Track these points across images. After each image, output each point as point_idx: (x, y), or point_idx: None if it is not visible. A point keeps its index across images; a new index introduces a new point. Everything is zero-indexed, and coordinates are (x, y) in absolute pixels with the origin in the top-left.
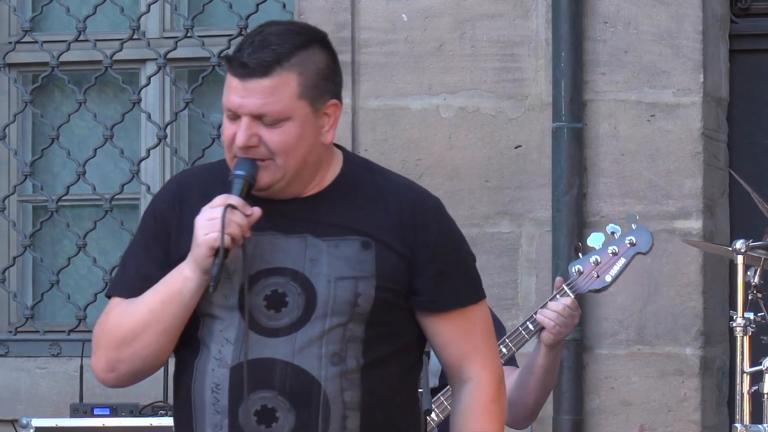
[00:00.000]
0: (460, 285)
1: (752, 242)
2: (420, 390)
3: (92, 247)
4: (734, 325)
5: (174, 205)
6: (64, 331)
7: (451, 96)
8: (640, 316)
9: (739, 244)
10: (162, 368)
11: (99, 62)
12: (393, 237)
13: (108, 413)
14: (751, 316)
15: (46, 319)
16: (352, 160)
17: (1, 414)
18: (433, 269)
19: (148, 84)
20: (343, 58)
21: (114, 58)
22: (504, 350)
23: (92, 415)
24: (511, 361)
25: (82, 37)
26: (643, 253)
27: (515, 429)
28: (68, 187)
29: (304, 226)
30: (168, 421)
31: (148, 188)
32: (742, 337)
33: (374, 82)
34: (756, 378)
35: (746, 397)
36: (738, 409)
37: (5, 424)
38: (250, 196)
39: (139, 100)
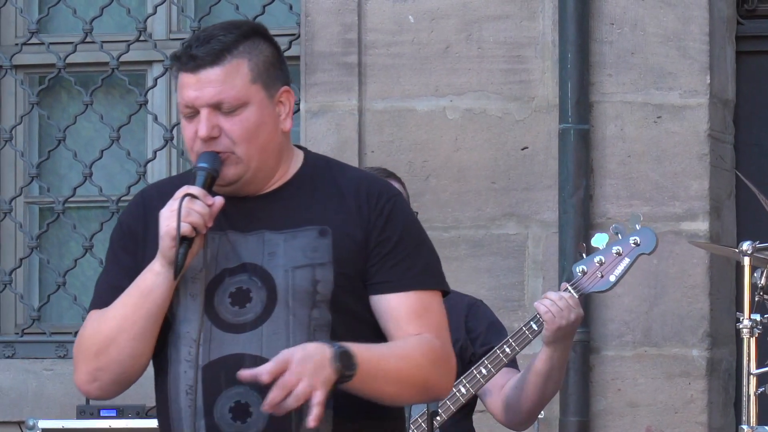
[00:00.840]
0: (413, 269)
1: (759, 244)
2: None
3: (99, 248)
4: (741, 326)
5: (138, 217)
6: (70, 333)
7: (457, 98)
8: (646, 317)
9: (746, 245)
10: None
11: (105, 64)
12: (349, 223)
13: (114, 415)
14: (757, 317)
15: (53, 320)
16: (311, 158)
17: (7, 415)
18: (382, 251)
19: (154, 86)
20: (350, 59)
21: (120, 59)
22: (508, 350)
23: (99, 417)
24: (512, 363)
25: (88, 39)
26: (648, 254)
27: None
28: (75, 188)
29: (260, 222)
30: None
31: None
32: (749, 338)
33: (381, 83)
34: (763, 379)
35: (753, 398)
36: (745, 411)
37: (12, 426)
38: (211, 190)
39: (146, 102)
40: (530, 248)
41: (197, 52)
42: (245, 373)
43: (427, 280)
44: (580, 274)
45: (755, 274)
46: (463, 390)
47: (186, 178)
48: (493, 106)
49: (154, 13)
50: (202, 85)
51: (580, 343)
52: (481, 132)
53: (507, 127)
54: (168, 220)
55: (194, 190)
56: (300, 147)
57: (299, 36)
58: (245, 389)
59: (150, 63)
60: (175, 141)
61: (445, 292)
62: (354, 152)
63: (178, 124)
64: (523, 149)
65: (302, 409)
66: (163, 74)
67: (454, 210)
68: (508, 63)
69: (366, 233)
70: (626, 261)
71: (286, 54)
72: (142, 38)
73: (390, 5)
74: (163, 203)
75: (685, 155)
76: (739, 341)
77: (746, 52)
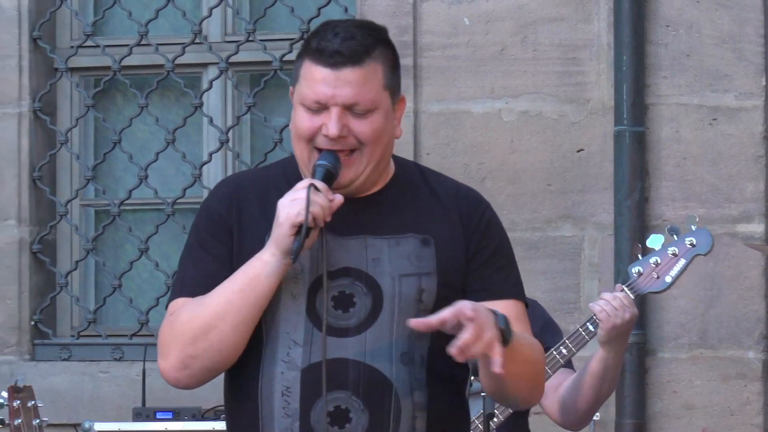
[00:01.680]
0: (506, 278)
1: None
2: (482, 393)
3: (154, 251)
4: None
5: (230, 206)
6: (126, 335)
7: (513, 100)
8: (702, 319)
9: None
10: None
11: (161, 66)
12: (450, 233)
13: (171, 417)
14: None
15: (109, 323)
16: (403, 164)
17: (63, 418)
18: (480, 258)
19: (210, 88)
20: (405, 62)
21: (176, 62)
22: (564, 351)
23: (155, 419)
24: (568, 364)
25: (143, 41)
26: (703, 255)
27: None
28: (130, 191)
29: (361, 227)
30: None
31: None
32: None
33: (436, 85)
34: None
35: None
36: None
37: (68, 428)
38: (331, 187)
39: (201, 104)
40: (586, 250)
41: (342, 49)
42: (415, 321)
43: (520, 291)
44: (635, 275)
45: None
46: None
47: (275, 170)
48: (549, 108)
49: (209, 15)
50: (340, 83)
51: (635, 345)
52: (537, 134)
53: (562, 129)
54: (288, 208)
55: (318, 183)
56: None
57: None
58: (346, 394)
59: (205, 65)
60: (230, 143)
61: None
62: (410, 154)
63: (233, 126)
64: (578, 151)
65: (400, 421)
66: (218, 76)
67: (509, 212)
68: (564, 65)
69: (466, 242)
70: (682, 262)
71: None
72: (197, 40)
73: (445, 8)
74: (257, 198)
75: (740, 157)
76: None
77: None
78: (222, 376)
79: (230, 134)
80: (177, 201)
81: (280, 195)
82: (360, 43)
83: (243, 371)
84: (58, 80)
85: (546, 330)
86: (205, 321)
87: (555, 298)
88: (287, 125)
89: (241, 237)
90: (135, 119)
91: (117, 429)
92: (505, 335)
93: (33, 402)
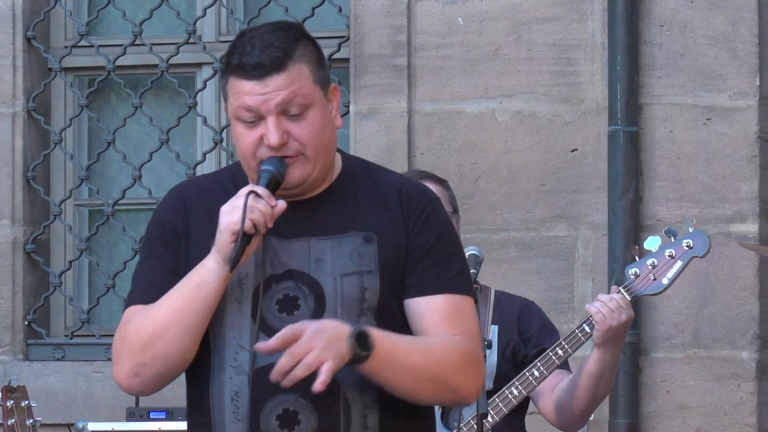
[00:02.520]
0: (445, 273)
1: None
2: None
3: None
4: None
5: (177, 213)
6: None
7: (507, 100)
8: (696, 319)
9: None
10: None
11: (155, 66)
12: (392, 229)
13: (164, 417)
14: None
15: (102, 323)
16: (350, 161)
17: (57, 418)
18: (419, 254)
19: (204, 88)
20: (399, 61)
21: (170, 62)
22: (560, 352)
23: (148, 419)
24: (564, 365)
25: (138, 41)
26: (700, 257)
27: None
28: (124, 191)
29: (305, 229)
30: None
31: None
32: None
33: (430, 85)
34: None
35: None
36: None
37: (62, 428)
38: (274, 193)
39: (195, 104)
40: (580, 250)
41: (263, 60)
42: (260, 345)
43: (460, 284)
44: (632, 277)
45: None
46: (515, 392)
47: (223, 175)
48: (543, 108)
49: (204, 15)
50: (270, 91)
51: (629, 345)
52: (531, 134)
53: (556, 129)
54: (229, 215)
55: (259, 189)
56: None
57: (348, 38)
58: (294, 397)
59: (199, 65)
60: (224, 143)
61: (475, 300)
62: (403, 154)
63: (227, 126)
64: (572, 151)
65: (350, 419)
66: (212, 76)
67: (503, 212)
68: (558, 65)
69: (407, 237)
70: (679, 264)
71: (335, 56)
72: (191, 40)
73: (439, 7)
74: (203, 201)
75: (734, 157)
76: None
77: None
78: None
79: (224, 134)
80: None
81: (227, 201)
82: (279, 48)
83: (195, 379)
84: (52, 80)
85: (543, 331)
86: (152, 330)
87: (548, 298)
88: None
89: (188, 244)
90: (129, 119)
91: (110, 429)
92: (359, 350)
93: (26, 402)
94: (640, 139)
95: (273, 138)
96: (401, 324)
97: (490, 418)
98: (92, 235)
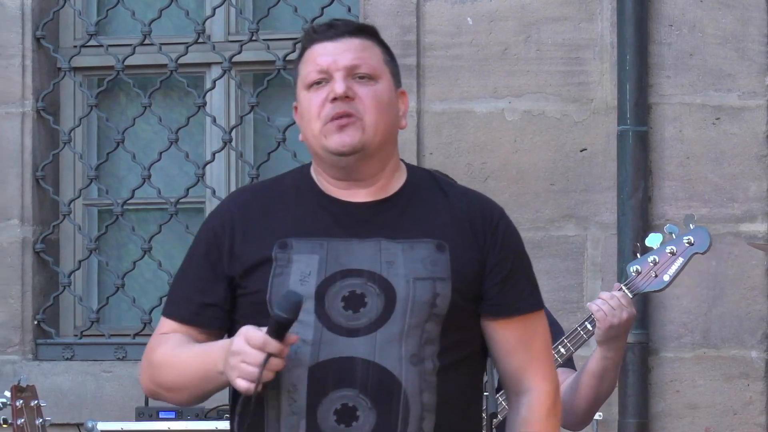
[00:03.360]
0: (524, 291)
1: None
2: (485, 393)
3: (157, 250)
4: None
5: (224, 224)
6: (129, 335)
7: (516, 99)
8: (705, 319)
9: None
10: None
11: (164, 66)
12: (465, 240)
13: (173, 417)
14: None
15: (112, 322)
16: (415, 170)
17: (66, 417)
18: (500, 273)
19: (213, 88)
20: (408, 61)
21: (179, 61)
22: (562, 350)
23: (158, 419)
24: (568, 363)
25: (147, 41)
26: (702, 253)
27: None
28: (133, 190)
29: (376, 230)
30: None
31: (213, 192)
32: None
33: (439, 85)
34: None
35: None
36: None
37: (71, 428)
38: (282, 335)
39: (204, 104)
40: (589, 250)
41: (337, 24)
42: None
43: (535, 301)
44: (634, 274)
45: None
46: None
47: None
48: (552, 107)
49: (213, 15)
50: (340, 50)
51: (638, 344)
52: (540, 134)
53: (565, 128)
54: (241, 372)
55: (273, 347)
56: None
57: None
58: (354, 392)
59: (208, 65)
60: (233, 143)
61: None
62: (413, 154)
63: (236, 126)
64: (581, 151)
65: (408, 420)
66: (221, 76)
67: (512, 212)
68: (567, 65)
69: (482, 253)
70: (680, 260)
71: None
72: (200, 40)
73: (448, 7)
74: (260, 204)
75: (743, 156)
76: None
77: None
78: None
79: (233, 134)
80: (180, 200)
81: (287, 208)
82: (354, 24)
83: None
84: (62, 80)
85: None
86: (170, 380)
87: (558, 297)
88: (291, 124)
89: (232, 252)
90: (138, 119)
91: (120, 428)
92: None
93: (36, 401)
94: (650, 138)
95: (339, 87)
96: (467, 337)
97: (497, 418)
98: (101, 234)
